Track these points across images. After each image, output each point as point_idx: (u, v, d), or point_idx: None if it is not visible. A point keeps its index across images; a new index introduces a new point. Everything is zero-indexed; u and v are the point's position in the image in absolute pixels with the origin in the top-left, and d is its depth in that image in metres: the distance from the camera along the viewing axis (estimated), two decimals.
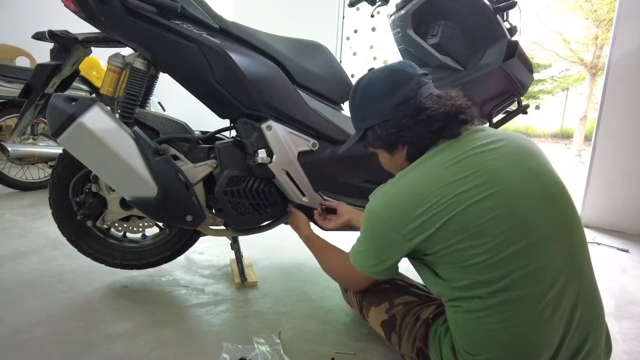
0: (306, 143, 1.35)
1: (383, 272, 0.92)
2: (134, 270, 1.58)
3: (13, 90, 2.55)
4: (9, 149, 2.59)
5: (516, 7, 1.49)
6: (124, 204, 1.38)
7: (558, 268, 0.78)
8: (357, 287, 1.11)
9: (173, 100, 3.08)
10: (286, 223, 1.49)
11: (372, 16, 1.79)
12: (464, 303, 0.82)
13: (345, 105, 1.49)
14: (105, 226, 1.41)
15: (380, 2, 1.65)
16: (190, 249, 1.58)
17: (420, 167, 0.86)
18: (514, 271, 0.76)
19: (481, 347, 0.81)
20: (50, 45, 1.35)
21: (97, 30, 1.26)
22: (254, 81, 1.27)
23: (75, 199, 1.37)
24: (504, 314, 0.78)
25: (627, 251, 2.26)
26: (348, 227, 1.28)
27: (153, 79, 1.40)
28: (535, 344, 0.77)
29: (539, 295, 0.76)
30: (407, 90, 0.89)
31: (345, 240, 1.35)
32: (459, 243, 0.78)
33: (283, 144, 1.30)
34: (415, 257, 0.90)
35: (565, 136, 16.14)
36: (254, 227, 1.45)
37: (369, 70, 1.00)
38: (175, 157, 1.33)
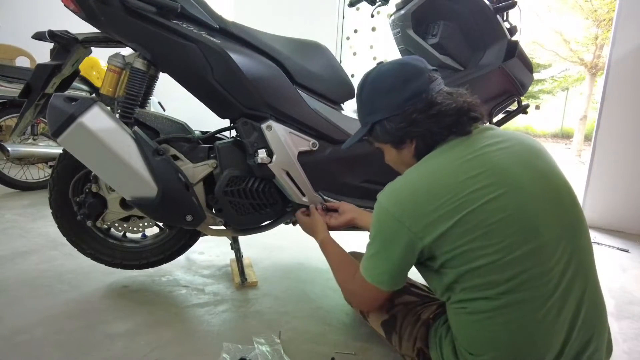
0: (306, 143, 1.35)
1: (392, 280, 0.87)
2: (134, 270, 1.58)
3: (13, 90, 2.55)
4: (9, 149, 2.59)
5: (516, 7, 1.49)
6: (124, 204, 1.38)
7: (564, 269, 0.78)
8: (369, 305, 1.02)
9: (173, 100, 3.08)
10: (286, 223, 1.48)
11: (372, 16, 1.79)
12: (469, 304, 0.81)
13: (345, 105, 1.49)
14: (105, 226, 1.41)
15: (380, 2, 1.65)
16: (190, 249, 1.58)
17: (431, 163, 0.85)
18: (521, 273, 0.75)
19: (484, 348, 0.81)
20: (50, 45, 1.35)
21: (97, 30, 1.26)
22: (254, 81, 1.27)
23: (75, 199, 1.37)
24: (509, 315, 0.77)
25: (627, 251, 2.26)
26: (351, 225, 1.26)
27: (153, 79, 1.40)
28: (539, 344, 0.77)
29: (544, 296, 0.76)
30: (418, 85, 0.88)
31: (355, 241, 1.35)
32: (469, 243, 0.76)
33: (283, 144, 1.30)
34: (421, 262, 0.87)
35: (565, 136, 16.12)
36: (254, 227, 1.45)
37: (378, 63, 0.97)
38: (175, 157, 1.33)
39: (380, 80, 0.92)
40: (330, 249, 1.13)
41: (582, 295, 0.79)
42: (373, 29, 3.72)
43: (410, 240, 0.81)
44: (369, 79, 0.95)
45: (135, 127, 1.24)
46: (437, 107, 0.86)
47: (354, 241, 1.44)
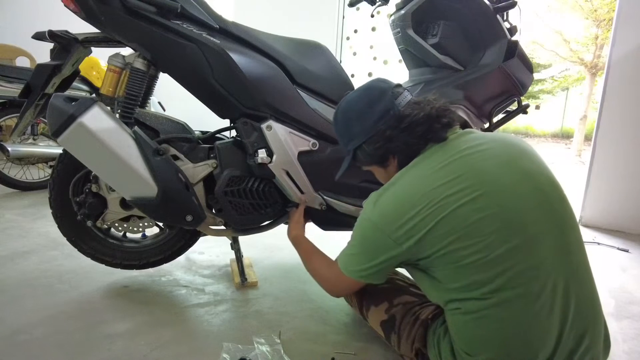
0: (306, 143, 1.35)
1: (370, 276, 0.92)
2: (134, 270, 1.58)
3: (13, 90, 2.55)
4: (9, 149, 2.59)
5: (516, 7, 1.49)
6: (124, 204, 1.38)
7: (552, 265, 0.79)
8: (341, 292, 1.07)
9: (173, 100, 3.08)
10: (286, 223, 1.48)
11: (372, 16, 1.79)
12: (462, 305, 0.82)
13: None
14: (106, 226, 1.41)
15: (380, 2, 1.65)
16: (190, 249, 1.58)
17: (410, 173, 0.88)
18: (507, 269, 0.77)
19: (479, 348, 0.82)
20: (50, 45, 1.35)
21: (97, 30, 1.26)
22: (254, 81, 1.27)
23: (75, 199, 1.37)
24: (501, 314, 0.78)
25: (627, 251, 2.26)
26: None
27: (153, 79, 1.40)
28: (533, 342, 0.78)
29: (534, 293, 0.77)
30: (384, 104, 0.94)
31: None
32: (450, 245, 0.79)
33: (283, 143, 1.30)
34: (410, 264, 0.90)
35: (565, 136, 16.12)
36: (254, 227, 1.45)
37: (345, 93, 1.05)
38: (175, 157, 1.33)
39: (349, 109, 1.00)
40: (303, 244, 1.21)
41: (572, 291, 0.80)
42: (373, 29, 3.72)
43: (390, 247, 0.85)
44: (339, 110, 1.02)
45: (135, 127, 1.24)
46: (407, 119, 0.90)
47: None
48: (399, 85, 0.98)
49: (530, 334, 0.78)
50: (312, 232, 1.46)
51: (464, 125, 1.43)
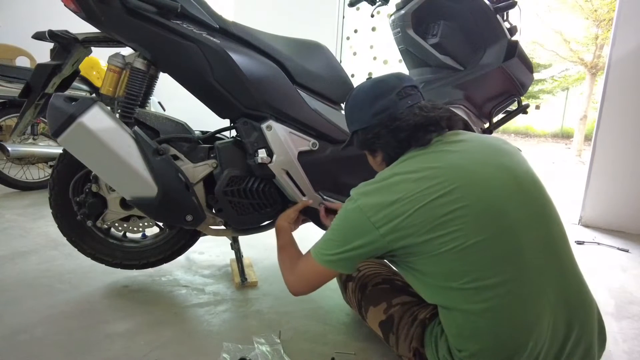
0: (306, 143, 1.35)
1: (339, 262, 0.90)
2: (134, 270, 1.58)
3: (13, 90, 2.55)
4: (9, 149, 2.59)
5: (516, 7, 1.49)
6: (124, 203, 1.38)
7: (532, 254, 0.81)
8: (302, 283, 1.01)
9: (173, 100, 3.08)
10: None
11: (372, 16, 1.79)
12: (448, 298, 0.84)
13: None
14: (106, 226, 1.41)
15: (380, 2, 1.65)
16: (190, 249, 1.58)
17: (394, 169, 0.92)
18: (484, 258, 0.79)
19: (469, 342, 0.83)
20: (50, 45, 1.35)
21: (97, 30, 1.26)
22: (254, 81, 1.27)
23: (75, 198, 1.37)
24: (485, 304, 0.80)
25: (627, 251, 2.26)
26: None
27: (153, 79, 1.40)
28: (521, 330, 0.79)
29: (515, 282, 0.79)
30: (386, 102, 0.97)
31: None
32: (425, 234, 0.82)
33: (283, 143, 1.30)
34: (388, 256, 0.91)
35: (565, 136, 16.11)
36: (254, 227, 1.45)
37: (368, 78, 1.05)
38: (176, 157, 1.33)
39: (357, 96, 1.03)
40: (284, 236, 1.21)
41: (557, 280, 0.82)
42: (373, 29, 3.72)
43: (367, 230, 0.86)
44: (352, 93, 1.06)
45: (136, 127, 1.24)
46: (397, 122, 0.94)
47: None
48: (413, 87, 0.98)
49: (517, 322, 0.79)
50: (312, 232, 1.47)
51: (465, 126, 1.44)
